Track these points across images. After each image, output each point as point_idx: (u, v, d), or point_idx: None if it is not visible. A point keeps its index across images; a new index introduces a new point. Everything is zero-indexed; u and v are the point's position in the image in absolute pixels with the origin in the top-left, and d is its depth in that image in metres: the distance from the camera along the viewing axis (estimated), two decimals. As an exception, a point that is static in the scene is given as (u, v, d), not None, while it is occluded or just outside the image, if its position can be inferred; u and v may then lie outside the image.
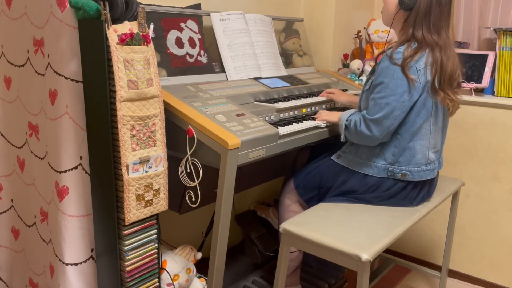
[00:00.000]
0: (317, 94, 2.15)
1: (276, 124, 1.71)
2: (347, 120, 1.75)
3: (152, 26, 1.45)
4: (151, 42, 1.41)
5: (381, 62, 1.68)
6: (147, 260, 1.51)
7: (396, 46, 1.67)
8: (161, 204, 1.49)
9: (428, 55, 1.65)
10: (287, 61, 2.38)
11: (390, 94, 1.63)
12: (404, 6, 1.68)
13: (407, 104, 1.64)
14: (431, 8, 1.65)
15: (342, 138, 1.78)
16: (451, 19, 1.72)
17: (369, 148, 1.75)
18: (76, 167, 1.47)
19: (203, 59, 1.89)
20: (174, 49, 1.78)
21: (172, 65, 1.76)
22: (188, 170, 1.53)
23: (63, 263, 1.51)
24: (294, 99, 1.99)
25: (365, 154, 1.76)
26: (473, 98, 2.31)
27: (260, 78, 2.06)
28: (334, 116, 1.84)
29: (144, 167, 1.41)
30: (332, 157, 1.85)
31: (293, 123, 1.76)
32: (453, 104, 1.73)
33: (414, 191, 1.77)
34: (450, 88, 1.70)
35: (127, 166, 1.37)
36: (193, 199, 1.57)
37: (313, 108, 2.01)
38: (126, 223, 1.41)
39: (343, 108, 2.08)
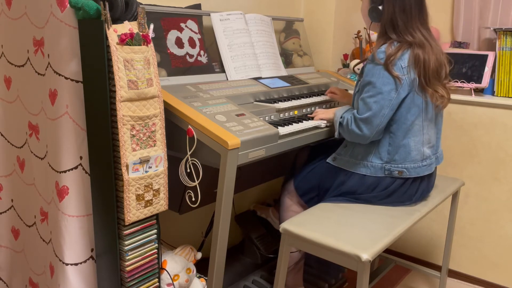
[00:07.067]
0: (317, 94, 2.15)
1: (276, 124, 1.71)
2: (341, 117, 1.77)
3: (152, 26, 1.45)
4: (151, 42, 1.41)
5: (366, 64, 1.72)
6: (147, 260, 1.51)
7: (377, 47, 1.70)
8: (161, 204, 1.49)
9: (410, 52, 1.67)
10: (287, 61, 2.38)
11: (377, 92, 1.66)
12: (373, 19, 1.77)
13: (394, 102, 1.66)
14: (395, 16, 1.69)
15: (336, 135, 1.80)
16: (427, 16, 1.75)
17: (364, 148, 1.76)
18: (76, 167, 1.47)
19: (203, 59, 1.89)
20: (174, 49, 1.78)
21: (172, 65, 1.76)
22: (188, 170, 1.53)
23: (63, 263, 1.51)
24: (294, 99, 1.99)
25: (361, 154, 1.77)
26: (473, 98, 2.31)
27: (260, 78, 2.06)
28: (330, 113, 1.86)
29: (144, 167, 1.41)
30: (328, 160, 1.86)
31: (293, 123, 1.77)
32: (442, 100, 1.74)
33: (413, 187, 1.78)
34: (438, 81, 1.72)
35: (127, 166, 1.37)
36: (193, 199, 1.57)
37: (313, 108, 2.01)
38: (126, 223, 1.41)
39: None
